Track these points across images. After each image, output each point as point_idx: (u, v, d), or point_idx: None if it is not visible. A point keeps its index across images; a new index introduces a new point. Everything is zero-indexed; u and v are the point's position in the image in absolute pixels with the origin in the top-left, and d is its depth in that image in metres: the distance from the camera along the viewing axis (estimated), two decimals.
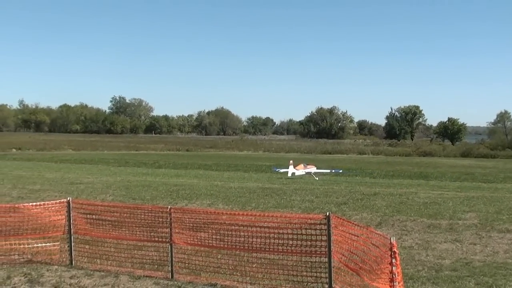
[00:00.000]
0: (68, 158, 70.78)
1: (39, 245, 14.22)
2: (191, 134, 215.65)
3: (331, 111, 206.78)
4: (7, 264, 13.70)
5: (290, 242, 11.52)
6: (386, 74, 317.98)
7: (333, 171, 45.21)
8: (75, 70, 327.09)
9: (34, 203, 14.51)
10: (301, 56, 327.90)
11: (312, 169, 43.96)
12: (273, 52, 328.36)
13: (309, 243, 11.29)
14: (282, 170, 44.37)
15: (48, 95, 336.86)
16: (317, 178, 41.08)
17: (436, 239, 17.15)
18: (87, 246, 14.08)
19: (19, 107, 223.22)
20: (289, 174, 41.81)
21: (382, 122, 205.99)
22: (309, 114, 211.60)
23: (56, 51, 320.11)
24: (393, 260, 8.55)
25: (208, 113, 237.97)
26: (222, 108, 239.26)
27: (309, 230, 11.29)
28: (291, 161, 44.63)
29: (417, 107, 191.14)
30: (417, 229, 18.71)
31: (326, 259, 10.99)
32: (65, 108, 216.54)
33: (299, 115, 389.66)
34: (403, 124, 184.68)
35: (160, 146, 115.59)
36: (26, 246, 14.26)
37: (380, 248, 9.17)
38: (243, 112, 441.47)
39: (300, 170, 43.12)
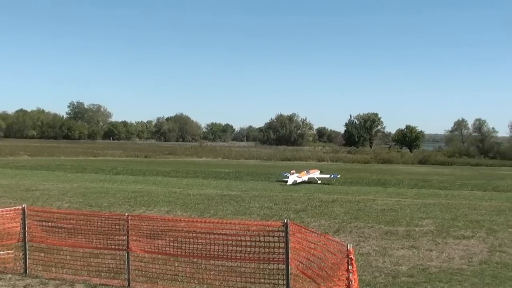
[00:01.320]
0: (24, 164, 69.57)
1: None
2: (150, 141, 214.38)
3: (290, 118, 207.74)
4: None
5: (248, 249, 11.52)
6: (346, 81, 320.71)
7: (332, 176, 46.97)
8: (32, 75, 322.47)
9: None
10: (261, 63, 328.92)
11: (316, 173, 47.08)
12: (232, 59, 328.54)
13: (267, 250, 11.31)
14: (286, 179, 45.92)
15: (3, 100, 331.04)
16: (319, 181, 44.04)
17: (393, 246, 17.34)
18: (42, 254, 13.87)
19: None
20: (289, 182, 42.68)
21: (341, 129, 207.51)
22: (268, 121, 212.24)
23: (12, 54, 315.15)
24: (350, 267, 8.61)
25: (167, 119, 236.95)
26: (182, 114, 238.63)
27: (267, 237, 11.31)
28: (293, 171, 46.09)
29: (376, 115, 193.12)
30: (374, 236, 18.89)
31: (284, 266, 11.04)
32: (21, 113, 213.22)
33: (259, 122, 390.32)
34: (362, 132, 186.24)
35: (118, 152, 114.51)
36: None
37: (337, 255, 9.24)
38: (203, 118, 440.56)
39: (304, 177, 44.88)
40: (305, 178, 44.96)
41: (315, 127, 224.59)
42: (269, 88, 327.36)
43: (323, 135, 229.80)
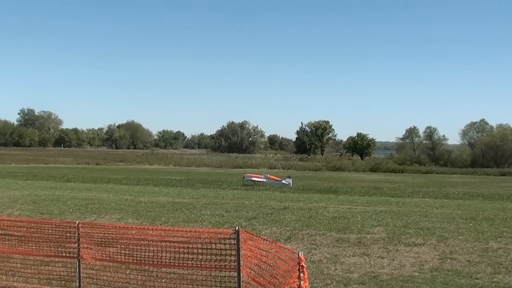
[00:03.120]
0: None
1: None
2: (101, 148, 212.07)
3: (242, 125, 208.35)
4: None
5: (200, 257, 11.50)
6: (297, 89, 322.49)
7: (284, 181, 51.20)
8: None
9: None
10: (212, 70, 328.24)
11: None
12: (182, 66, 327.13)
13: (218, 257, 11.30)
14: (255, 179, 53.64)
15: None
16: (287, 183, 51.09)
17: (344, 253, 17.48)
18: None
19: None
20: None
21: (293, 137, 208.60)
22: (220, 128, 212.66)
23: None
24: (301, 274, 8.68)
25: (119, 126, 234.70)
26: (133, 121, 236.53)
27: (219, 245, 11.30)
28: (268, 175, 55.37)
29: (327, 122, 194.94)
30: (326, 243, 19.01)
31: (236, 274, 11.04)
32: None
33: (211, 130, 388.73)
34: (313, 139, 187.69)
35: (69, 160, 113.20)
36: None
37: (288, 262, 9.30)
38: (154, 125, 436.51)
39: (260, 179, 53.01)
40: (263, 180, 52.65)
41: (267, 134, 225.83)
42: (220, 95, 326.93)
43: (274, 142, 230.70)
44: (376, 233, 21.05)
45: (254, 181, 53.10)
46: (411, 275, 14.86)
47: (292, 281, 8.88)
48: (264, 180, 53.30)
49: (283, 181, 52.33)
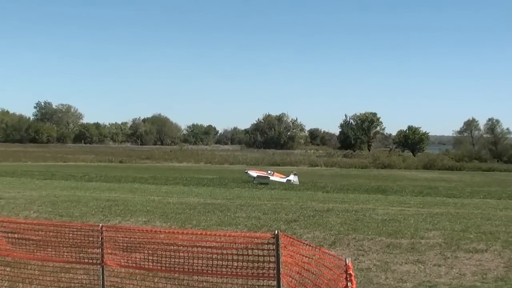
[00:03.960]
0: None
1: None
2: (125, 144, 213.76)
3: (279, 118, 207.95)
4: None
5: (235, 264, 11.50)
6: (341, 78, 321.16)
7: (288, 179, 50.87)
8: None
9: None
10: (247, 60, 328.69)
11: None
12: (213, 54, 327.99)
13: (255, 264, 11.29)
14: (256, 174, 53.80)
15: None
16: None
17: (396, 260, 17.32)
18: (8, 269, 13.80)
19: None
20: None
21: (336, 130, 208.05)
22: (255, 122, 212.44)
23: None
24: (349, 284, 8.62)
25: (144, 120, 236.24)
26: (160, 115, 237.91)
27: (256, 251, 11.29)
28: (272, 172, 55.52)
29: (374, 114, 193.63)
30: (375, 249, 18.87)
31: (275, 283, 11.01)
32: None
33: (245, 123, 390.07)
34: (359, 133, 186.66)
35: (90, 157, 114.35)
36: None
37: (333, 270, 9.24)
38: (183, 119, 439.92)
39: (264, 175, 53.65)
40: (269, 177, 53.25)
41: (307, 128, 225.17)
42: (255, 86, 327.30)
43: (316, 137, 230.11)
44: (431, 238, 20.79)
45: (254, 177, 53.51)
46: (472, 285, 14.63)
47: None
48: (269, 177, 53.88)
49: (288, 178, 53.29)
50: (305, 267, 10.31)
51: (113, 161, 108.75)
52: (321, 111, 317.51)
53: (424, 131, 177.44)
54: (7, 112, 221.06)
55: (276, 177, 53.74)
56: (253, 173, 54.09)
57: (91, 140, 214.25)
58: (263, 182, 52.75)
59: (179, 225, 23.29)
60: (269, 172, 55.34)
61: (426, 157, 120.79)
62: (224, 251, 11.64)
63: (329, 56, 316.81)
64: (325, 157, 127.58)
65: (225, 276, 11.85)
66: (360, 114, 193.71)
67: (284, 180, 52.97)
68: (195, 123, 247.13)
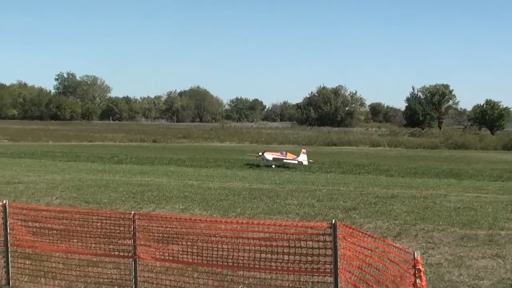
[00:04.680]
0: (3, 150, 70.46)
1: None
2: (159, 121, 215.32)
3: (336, 91, 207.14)
4: None
5: (286, 258, 11.51)
6: (406, 46, 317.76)
7: (299, 161, 53.54)
8: (10, 41, 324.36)
9: None
10: (297, 24, 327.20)
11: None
12: (260, 20, 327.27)
13: (309, 258, 11.29)
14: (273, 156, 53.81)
15: None
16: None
17: (471, 254, 17.16)
18: (28, 262, 14.02)
19: None
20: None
21: (402, 105, 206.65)
22: (308, 96, 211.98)
23: None
24: (418, 281, 8.56)
25: (181, 94, 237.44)
26: (198, 87, 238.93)
27: (310, 242, 11.29)
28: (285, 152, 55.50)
29: (446, 87, 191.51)
30: (447, 242, 18.74)
31: (332, 279, 10.99)
32: None
33: (296, 97, 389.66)
34: (428, 109, 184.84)
35: (119, 136, 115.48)
36: None
37: (400, 265, 9.18)
38: (225, 93, 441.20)
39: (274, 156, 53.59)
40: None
41: (368, 103, 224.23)
42: (308, 54, 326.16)
43: (378, 113, 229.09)
44: None
45: (270, 160, 53.52)
46: None
47: None
48: (284, 158, 54.24)
49: (299, 159, 53.80)
50: (367, 261, 10.27)
51: (146, 141, 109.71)
52: (385, 83, 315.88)
53: (504, 106, 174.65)
54: (25, 84, 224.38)
55: (289, 158, 53.99)
56: (269, 156, 53.75)
57: (120, 117, 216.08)
58: (279, 164, 53.23)
59: (221, 213, 23.43)
60: (281, 152, 55.70)
61: (507, 136, 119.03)
62: (273, 243, 11.65)
63: (392, 19, 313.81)
64: (389, 136, 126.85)
65: (274, 272, 11.87)
66: (430, 86, 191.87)
67: (296, 161, 53.30)
68: (239, 97, 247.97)
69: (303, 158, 53.61)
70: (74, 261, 13.70)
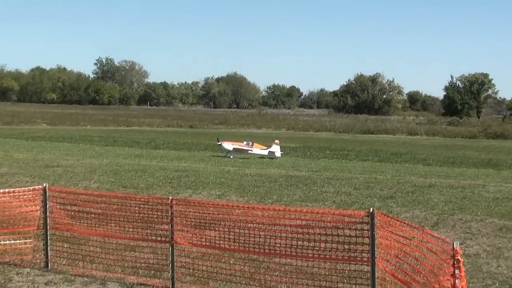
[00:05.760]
0: (42, 134, 71.26)
1: (7, 242, 14.31)
2: (196, 107, 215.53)
3: (373, 79, 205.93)
4: None
5: (322, 245, 11.50)
6: (445, 33, 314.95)
7: (269, 152, 49.34)
8: (50, 25, 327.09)
9: (1, 190, 14.59)
10: (334, 10, 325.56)
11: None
12: (298, 7, 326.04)
13: (346, 246, 11.27)
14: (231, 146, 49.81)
15: (17, 56, 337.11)
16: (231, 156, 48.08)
17: (510, 246, 16.99)
18: (66, 245, 14.14)
19: None
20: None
21: (440, 94, 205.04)
22: (345, 83, 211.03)
23: (25, 2, 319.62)
24: (456, 271, 8.49)
25: (218, 80, 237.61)
26: (235, 74, 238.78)
27: (347, 231, 11.27)
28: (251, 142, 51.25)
29: (486, 76, 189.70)
30: (485, 232, 18.59)
31: (369, 267, 10.95)
32: (38, 72, 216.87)
33: (333, 85, 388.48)
34: (467, 97, 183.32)
35: (157, 121, 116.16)
36: None
37: (438, 255, 9.11)
38: (262, 79, 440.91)
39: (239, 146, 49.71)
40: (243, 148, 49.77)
41: (406, 91, 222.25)
42: (345, 41, 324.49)
43: (416, 101, 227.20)
44: None
45: (230, 151, 49.59)
46: None
47: (443, 279, 8.70)
48: (248, 149, 50.32)
49: (271, 150, 49.97)
50: (405, 251, 10.21)
51: (183, 126, 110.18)
52: (423, 72, 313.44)
53: None
54: (64, 69, 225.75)
55: (256, 149, 50.43)
56: (228, 146, 50.04)
57: (158, 102, 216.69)
58: (239, 154, 50.03)
59: (258, 200, 23.45)
60: (246, 142, 51.55)
61: None
62: (310, 231, 11.62)
63: (431, 6, 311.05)
64: (427, 125, 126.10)
65: (311, 259, 11.87)
66: (469, 75, 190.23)
67: (266, 152, 49.73)
68: (275, 84, 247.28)
69: (274, 149, 49.86)
70: (111, 245, 13.81)
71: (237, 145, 50.03)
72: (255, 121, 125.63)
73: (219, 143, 50.48)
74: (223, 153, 49.61)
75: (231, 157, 48.00)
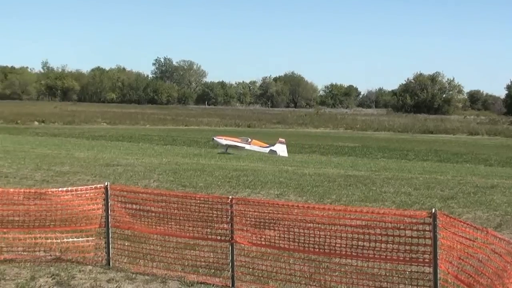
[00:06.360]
0: (102, 133, 72.25)
1: (69, 240, 14.47)
2: (254, 106, 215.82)
3: (433, 78, 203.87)
4: (31, 262, 13.96)
5: (382, 246, 11.39)
6: (506, 32, 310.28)
7: (269, 150, 48.70)
8: (109, 26, 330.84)
9: (63, 189, 14.78)
10: (393, 10, 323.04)
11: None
12: (355, 6, 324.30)
13: (407, 247, 11.14)
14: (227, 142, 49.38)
15: (77, 56, 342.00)
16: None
17: None
18: (127, 243, 14.24)
19: (42, 71, 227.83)
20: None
21: (502, 93, 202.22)
22: (404, 82, 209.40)
23: (86, 4, 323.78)
24: None
25: (275, 79, 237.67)
26: (293, 73, 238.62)
27: (408, 231, 11.15)
28: (249, 139, 50.56)
29: None
30: None
31: (430, 269, 10.84)
32: (98, 72, 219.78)
33: (392, 84, 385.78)
34: None
35: (215, 121, 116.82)
36: (54, 241, 14.45)
37: (503, 257, 8.98)
38: (319, 78, 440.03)
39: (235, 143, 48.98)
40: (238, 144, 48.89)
41: (466, 90, 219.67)
42: (404, 40, 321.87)
43: (476, 100, 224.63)
44: None
45: (225, 146, 48.96)
46: None
47: (508, 281, 8.56)
48: (244, 146, 49.03)
49: (273, 149, 48.72)
50: (468, 252, 10.08)
51: (241, 126, 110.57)
52: (484, 71, 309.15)
53: None
54: (124, 69, 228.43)
55: (254, 147, 49.27)
56: (222, 141, 49.50)
57: (216, 101, 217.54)
58: (236, 151, 48.70)
59: (317, 199, 23.40)
60: (243, 138, 50.74)
61: None
62: (369, 231, 11.54)
63: (493, 7, 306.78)
64: (488, 125, 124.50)
65: (371, 260, 11.77)
66: None
67: (266, 150, 48.66)
68: (333, 83, 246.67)
69: (277, 148, 48.83)
70: (171, 244, 13.86)
71: (230, 141, 49.59)
72: (313, 121, 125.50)
73: (213, 138, 50.81)
74: (219, 148, 49.64)
75: (225, 152, 47.93)
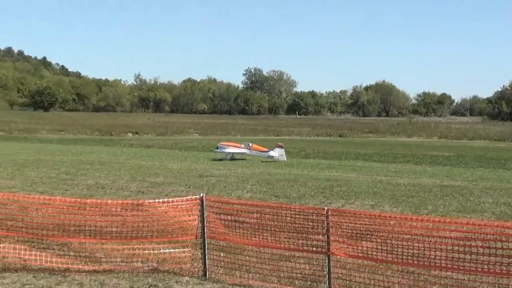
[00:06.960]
0: (195, 144, 72.91)
1: (166, 250, 14.62)
2: (345, 115, 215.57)
3: None
4: (129, 273, 14.15)
5: (483, 258, 11.16)
6: None
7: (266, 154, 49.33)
8: (200, 39, 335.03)
9: (160, 200, 14.95)
10: (486, 16, 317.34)
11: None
12: (449, 10, 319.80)
13: (510, 260, 10.89)
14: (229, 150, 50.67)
15: (169, 68, 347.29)
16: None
17: None
18: (222, 254, 14.30)
19: (135, 83, 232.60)
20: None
21: None
22: (500, 89, 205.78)
23: (175, 17, 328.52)
24: None
25: (366, 88, 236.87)
26: (384, 82, 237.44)
27: (510, 244, 10.89)
28: (251, 144, 51.96)
29: None
30: None
31: None
32: (189, 83, 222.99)
33: (487, 91, 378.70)
34: None
35: (306, 130, 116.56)
36: (151, 251, 14.66)
37: None
38: (411, 87, 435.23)
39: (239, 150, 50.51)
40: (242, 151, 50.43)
41: None
42: (499, 47, 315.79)
43: None
44: None
45: (229, 153, 50.30)
46: None
47: None
48: (245, 151, 50.67)
49: (270, 153, 49.34)
50: None
51: (332, 135, 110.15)
52: None
53: None
54: (215, 80, 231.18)
55: (254, 151, 50.55)
56: (225, 148, 51.16)
57: (306, 111, 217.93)
58: (237, 155, 50.80)
59: (412, 210, 23.14)
60: (245, 144, 52.24)
61: None
62: (470, 243, 11.31)
63: None
64: None
65: (472, 273, 11.52)
66: None
67: (266, 155, 49.60)
68: (426, 91, 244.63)
69: (274, 153, 49.19)
70: (266, 255, 13.85)
71: (233, 148, 51.30)
72: (406, 129, 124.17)
73: (218, 145, 52.55)
74: (222, 155, 50.50)
75: (228, 158, 49.47)
